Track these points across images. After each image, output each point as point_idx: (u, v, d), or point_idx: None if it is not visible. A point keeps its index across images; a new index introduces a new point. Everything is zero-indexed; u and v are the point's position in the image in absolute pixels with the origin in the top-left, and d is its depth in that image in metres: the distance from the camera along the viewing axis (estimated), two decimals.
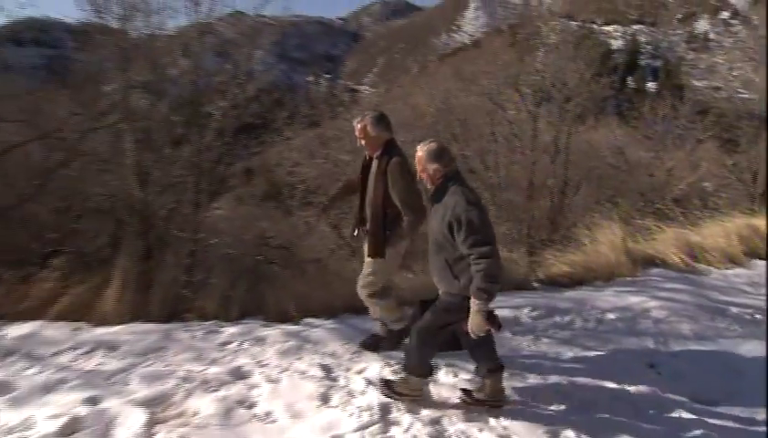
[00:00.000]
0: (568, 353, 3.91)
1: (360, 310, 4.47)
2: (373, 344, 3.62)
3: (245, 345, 3.67)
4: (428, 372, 2.86)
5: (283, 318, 4.30)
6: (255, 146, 8.85)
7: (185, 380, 3.04)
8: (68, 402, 2.62)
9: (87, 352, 3.27)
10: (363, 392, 3.00)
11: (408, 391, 2.84)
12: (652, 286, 5.66)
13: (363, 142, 3.29)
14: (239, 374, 3.18)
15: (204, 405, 2.76)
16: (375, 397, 2.91)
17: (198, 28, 7.03)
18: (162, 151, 6.21)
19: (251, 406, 2.83)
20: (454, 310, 2.67)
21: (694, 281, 5.95)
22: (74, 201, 5.46)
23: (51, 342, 3.29)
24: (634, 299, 5.10)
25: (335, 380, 3.18)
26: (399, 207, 3.16)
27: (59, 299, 3.73)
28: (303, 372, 3.24)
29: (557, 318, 4.57)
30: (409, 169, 3.10)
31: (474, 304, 2.46)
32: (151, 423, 2.54)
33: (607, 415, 2.99)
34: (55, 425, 2.41)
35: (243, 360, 3.40)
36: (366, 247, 3.42)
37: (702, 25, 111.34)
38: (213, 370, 3.23)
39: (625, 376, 3.46)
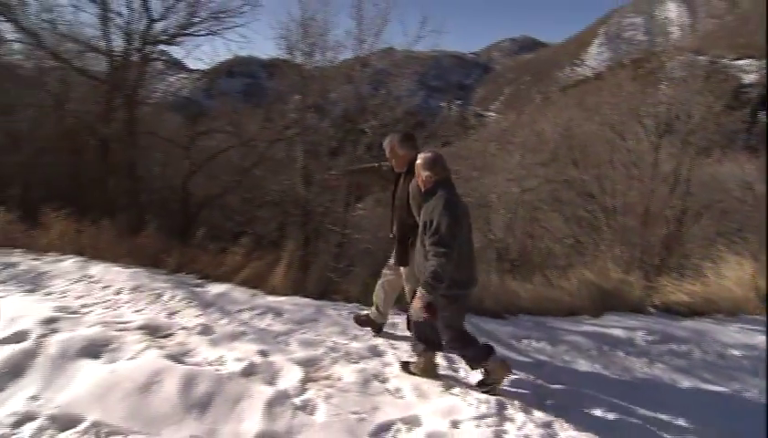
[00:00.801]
0: (685, 383, 3.74)
1: (481, 311, 4.68)
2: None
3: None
4: (435, 351, 3.23)
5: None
6: None
7: (332, 349, 3.56)
8: (248, 351, 3.29)
9: (260, 314, 4.03)
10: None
11: (420, 371, 3.23)
12: None
13: (393, 161, 3.47)
14: (376, 351, 3.61)
15: (346, 373, 3.20)
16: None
17: (358, 61, 8.10)
18: (323, 159, 7.20)
19: (384, 380, 3.20)
20: (450, 307, 2.98)
21: None
22: (257, 194, 6.79)
23: (236, 302, 4.13)
24: (761, 338, 4.62)
25: (456, 371, 3.45)
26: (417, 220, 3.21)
27: (243, 269, 4.67)
28: None
29: (674, 346, 4.37)
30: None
31: (419, 292, 2.77)
32: (305, 380, 3.05)
33: None
34: (239, 366, 3.06)
35: (378, 340, 3.83)
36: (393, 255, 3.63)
37: None
38: (355, 344, 3.72)
39: (748, 418, 3.25)
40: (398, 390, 3.10)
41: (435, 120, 11.21)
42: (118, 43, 7.27)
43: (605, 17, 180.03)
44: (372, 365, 3.39)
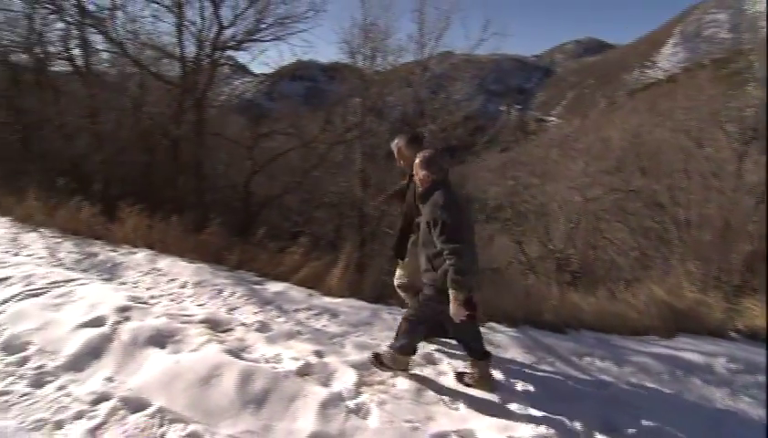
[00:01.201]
0: None
1: (539, 324, 4.47)
2: None
3: None
4: (412, 352, 3.18)
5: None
6: (454, 164, 9.64)
7: None
8: (304, 350, 3.33)
9: (316, 314, 4.07)
10: (539, 404, 3.02)
11: (395, 365, 3.19)
12: None
13: (401, 161, 3.47)
14: (430, 359, 3.51)
15: (400, 380, 3.14)
16: (551, 411, 2.92)
17: (418, 65, 8.11)
18: (381, 162, 7.23)
19: (439, 390, 3.11)
20: (433, 300, 2.94)
21: None
22: (315, 195, 6.95)
23: (293, 301, 4.20)
24: None
25: (513, 385, 3.28)
26: None
27: (301, 269, 4.75)
28: None
29: (761, 378, 3.84)
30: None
31: (451, 293, 2.72)
32: (359, 384, 3.03)
33: None
34: (295, 365, 3.10)
35: (432, 347, 3.74)
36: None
37: None
38: None
39: None
40: (453, 401, 3.00)
41: (495, 125, 10.99)
42: (190, 49, 7.71)
43: (681, 16, 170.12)
44: (426, 373, 3.31)
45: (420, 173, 2.98)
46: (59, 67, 9.45)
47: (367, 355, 3.37)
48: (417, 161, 3.01)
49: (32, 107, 8.73)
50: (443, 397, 3.05)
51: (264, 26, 7.44)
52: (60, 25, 8.72)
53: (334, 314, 4.10)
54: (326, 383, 3.01)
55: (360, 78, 7.25)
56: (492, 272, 8.87)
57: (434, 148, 3.67)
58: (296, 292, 4.40)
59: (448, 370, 3.39)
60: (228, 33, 7.65)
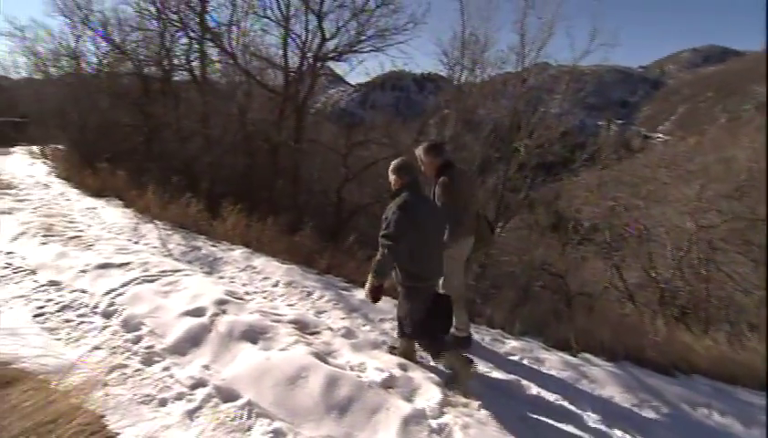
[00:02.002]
0: None
1: (641, 361, 4.04)
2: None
3: (525, 360, 3.82)
4: (440, 348, 3.13)
5: (562, 346, 4.27)
6: (550, 181, 9.15)
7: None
8: (388, 362, 3.27)
9: None
10: None
11: (400, 354, 3.34)
12: None
13: (423, 168, 3.58)
14: (518, 385, 3.29)
15: (485, 404, 2.96)
16: None
17: (514, 77, 7.85)
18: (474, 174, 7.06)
19: (523, 419, 2.90)
20: (410, 297, 3.14)
21: None
22: None
23: (379, 310, 4.18)
24: None
25: (610, 428, 2.96)
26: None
27: None
28: (581, 409, 3.12)
29: None
30: (452, 188, 3.36)
31: (369, 276, 3.12)
32: (443, 403, 2.90)
33: None
34: (379, 376, 3.06)
35: (522, 374, 3.51)
36: None
37: None
38: (496, 374, 3.47)
39: None
40: (538, 431, 2.78)
41: (593, 141, 10.33)
42: (293, 60, 8.17)
43: None
44: (514, 400, 3.10)
45: (391, 178, 3.20)
46: (180, 76, 10.61)
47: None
48: (390, 167, 3.21)
49: (156, 112, 9.79)
50: (530, 424, 2.84)
51: (364, 37, 7.67)
52: (184, 40, 9.80)
53: None
54: (409, 398, 2.93)
55: (456, 90, 7.16)
56: (585, 297, 8.27)
57: (434, 141, 3.90)
58: (382, 301, 4.36)
59: (537, 399, 3.16)
60: (330, 44, 8.01)
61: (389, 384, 3.02)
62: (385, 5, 7.44)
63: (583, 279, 9.46)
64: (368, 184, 7.43)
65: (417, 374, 3.18)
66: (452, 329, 3.58)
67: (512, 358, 3.84)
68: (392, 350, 3.47)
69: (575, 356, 4.10)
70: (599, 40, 7.24)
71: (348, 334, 3.63)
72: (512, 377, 3.47)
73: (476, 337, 4.02)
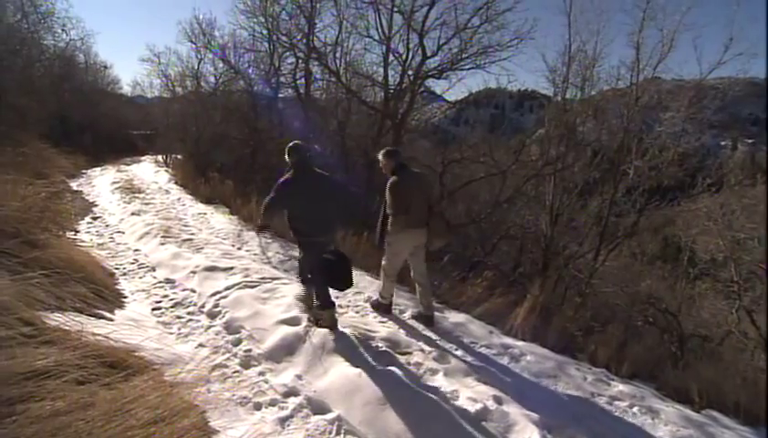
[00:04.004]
0: None
1: (728, 409, 3.41)
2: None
3: (635, 409, 3.39)
4: (326, 305, 3.65)
5: (681, 398, 3.78)
6: (664, 207, 8.24)
7: (575, 419, 3.03)
8: (482, 393, 3.07)
9: (496, 354, 3.77)
10: None
11: (326, 324, 3.61)
12: None
13: (382, 168, 4.19)
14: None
15: None
16: None
17: (624, 94, 7.26)
18: (574, 197, 6.58)
19: None
20: (301, 249, 3.98)
21: None
22: (498, 226, 6.66)
23: (473, 335, 3.98)
24: None
25: None
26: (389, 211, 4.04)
27: (483, 303, 4.50)
28: None
29: None
30: (397, 187, 3.94)
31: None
32: None
33: None
34: (472, 407, 2.87)
35: (633, 426, 3.10)
36: None
37: None
38: (602, 422, 3.10)
39: None
40: None
41: (714, 162, 9.23)
42: (394, 77, 8.30)
43: None
44: None
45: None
46: (285, 93, 11.38)
47: (553, 415, 2.96)
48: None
49: (262, 127, 10.53)
50: None
51: (466, 55, 7.57)
52: (291, 59, 10.49)
53: (514, 357, 3.75)
54: (504, 435, 2.71)
55: (560, 107, 6.76)
56: (700, 340, 7.29)
57: (390, 148, 4.31)
58: (476, 326, 4.16)
59: None
60: (431, 62, 8.02)
61: (482, 417, 2.82)
62: (488, 21, 7.29)
63: (699, 320, 8.36)
64: (462, 203, 7.24)
65: (512, 409, 2.94)
66: (420, 308, 4.21)
67: (619, 403, 3.42)
68: (298, 297, 4.13)
69: (698, 412, 3.56)
70: (735, 50, 6.44)
71: (440, 358, 3.48)
72: (622, 429, 3.09)
73: (577, 374, 3.66)
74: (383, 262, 4.23)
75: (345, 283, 3.68)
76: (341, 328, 3.61)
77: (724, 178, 8.67)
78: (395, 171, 4.02)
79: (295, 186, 3.65)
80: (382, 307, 4.31)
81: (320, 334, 3.46)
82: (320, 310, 3.65)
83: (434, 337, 3.86)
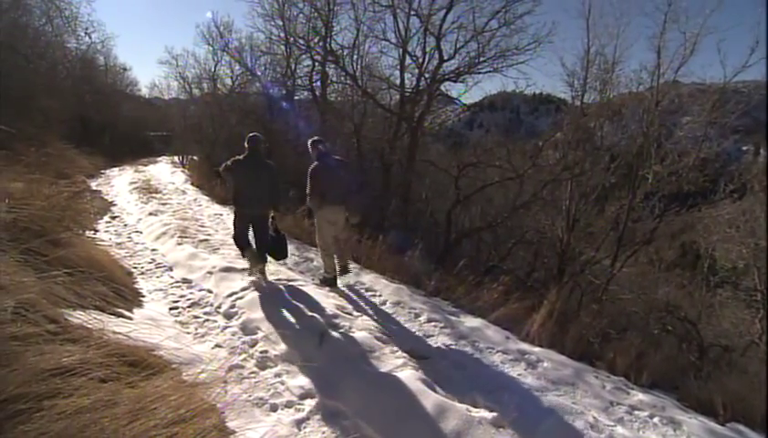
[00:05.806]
0: None
1: None
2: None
3: (656, 419, 3.32)
4: (248, 254, 4.71)
5: (704, 409, 3.71)
6: (684, 213, 8.08)
7: (592, 427, 2.99)
8: (498, 398, 3.03)
9: (512, 360, 3.74)
10: None
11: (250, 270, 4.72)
12: None
13: (311, 155, 4.77)
14: None
15: None
16: None
17: (643, 98, 7.17)
18: (591, 202, 6.50)
19: None
20: (234, 215, 4.84)
21: None
22: (513, 231, 6.60)
23: (489, 340, 3.95)
24: None
25: None
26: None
27: (499, 308, 4.47)
28: None
29: None
30: (315, 172, 4.59)
31: None
32: None
33: None
34: (489, 414, 2.83)
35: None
36: None
37: None
38: (621, 430, 3.04)
39: None
40: None
41: (737, 168, 9.04)
42: (410, 80, 8.31)
43: None
44: None
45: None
46: (301, 95, 11.46)
47: (569, 423, 2.92)
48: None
49: (278, 129, 10.61)
50: None
51: (483, 58, 7.53)
52: (308, 62, 10.56)
53: (531, 364, 3.71)
54: None
55: (579, 112, 6.69)
56: (721, 349, 7.12)
57: (315, 138, 4.88)
58: (492, 332, 4.13)
59: None
60: (447, 66, 8.00)
61: (499, 423, 2.78)
62: (507, 25, 7.25)
63: (719, 329, 8.18)
64: (478, 207, 7.20)
65: (529, 416, 2.90)
66: (322, 272, 4.96)
67: (639, 413, 3.36)
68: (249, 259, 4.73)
69: (722, 425, 3.47)
70: (760, 53, 6.32)
71: (457, 363, 3.46)
72: (641, 436, 3.04)
73: (595, 382, 3.60)
74: (317, 240, 4.98)
75: (281, 254, 4.80)
76: (358, 331, 3.61)
77: (747, 184, 8.48)
78: (318, 158, 4.67)
79: (240, 166, 4.48)
80: (327, 282, 4.89)
81: (335, 337, 3.47)
82: (257, 262, 4.58)
83: (450, 341, 3.84)
